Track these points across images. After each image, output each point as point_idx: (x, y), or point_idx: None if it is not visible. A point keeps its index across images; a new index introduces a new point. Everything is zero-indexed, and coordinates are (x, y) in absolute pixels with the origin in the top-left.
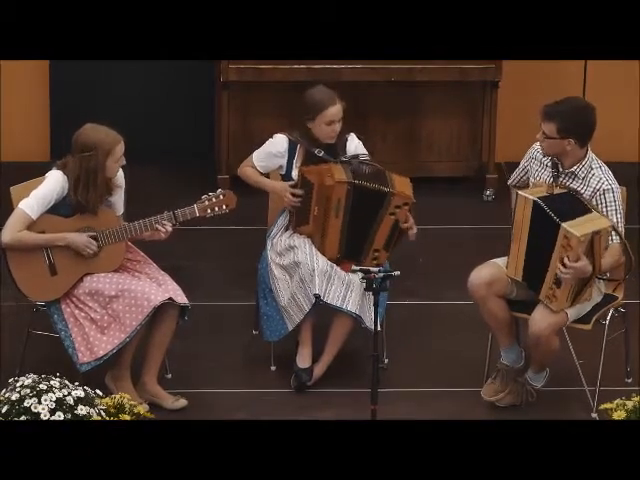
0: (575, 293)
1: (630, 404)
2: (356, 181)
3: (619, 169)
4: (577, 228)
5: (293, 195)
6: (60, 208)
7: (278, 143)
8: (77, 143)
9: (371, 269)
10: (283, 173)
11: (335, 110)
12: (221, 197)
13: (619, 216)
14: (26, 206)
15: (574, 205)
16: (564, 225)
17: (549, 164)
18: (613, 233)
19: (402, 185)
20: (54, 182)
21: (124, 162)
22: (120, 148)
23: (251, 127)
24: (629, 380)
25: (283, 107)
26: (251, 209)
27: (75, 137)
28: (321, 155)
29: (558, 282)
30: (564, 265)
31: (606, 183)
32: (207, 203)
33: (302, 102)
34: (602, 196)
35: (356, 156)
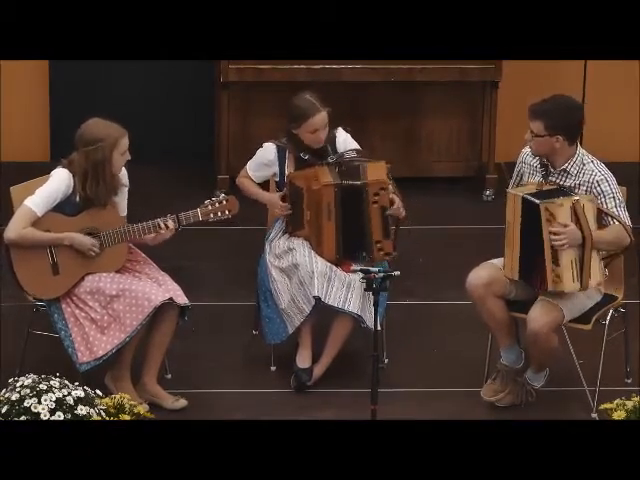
0: (579, 270)
1: (630, 404)
2: (343, 182)
3: (619, 169)
4: (555, 200)
5: (282, 206)
6: (65, 207)
7: (267, 152)
8: (82, 137)
9: (371, 269)
10: (277, 180)
11: (319, 119)
12: (224, 202)
13: (617, 201)
14: (32, 203)
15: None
16: (542, 201)
17: (539, 166)
18: (612, 219)
19: (374, 172)
20: (60, 180)
21: (129, 157)
22: (125, 141)
23: (251, 127)
24: (629, 380)
25: (283, 107)
26: (251, 209)
27: (79, 132)
28: (306, 158)
29: (556, 259)
30: (554, 233)
31: (599, 174)
32: (210, 208)
33: (287, 110)
34: (597, 187)
35: (341, 155)
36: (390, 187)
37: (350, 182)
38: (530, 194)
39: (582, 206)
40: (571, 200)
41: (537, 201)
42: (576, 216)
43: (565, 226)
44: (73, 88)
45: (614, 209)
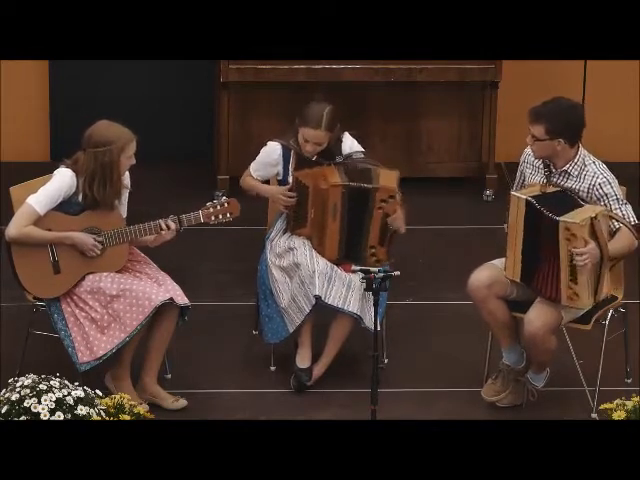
0: (594, 286)
1: (630, 404)
2: (351, 183)
3: (619, 169)
4: (574, 217)
5: (286, 197)
6: (67, 206)
7: (271, 151)
8: (91, 138)
9: (371, 269)
10: (280, 179)
11: (312, 133)
12: (226, 205)
13: (620, 204)
14: (34, 202)
15: (567, 202)
16: (561, 219)
17: (541, 166)
18: (616, 221)
19: (386, 179)
20: (63, 179)
21: (134, 161)
22: (133, 145)
23: (251, 127)
24: (629, 380)
25: (283, 107)
26: (252, 209)
27: (89, 132)
28: (314, 159)
29: (574, 277)
30: (578, 254)
31: (601, 176)
32: (212, 210)
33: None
34: (599, 190)
35: (349, 156)
36: (397, 197)
37: (359, 184)
38: (534, 197)
39: (599, 222)
40: (590, 218)
41: (556, 218)
42: (594, 233)
43: (586, 243)
44: (73, 88)
45: (618, 210)
